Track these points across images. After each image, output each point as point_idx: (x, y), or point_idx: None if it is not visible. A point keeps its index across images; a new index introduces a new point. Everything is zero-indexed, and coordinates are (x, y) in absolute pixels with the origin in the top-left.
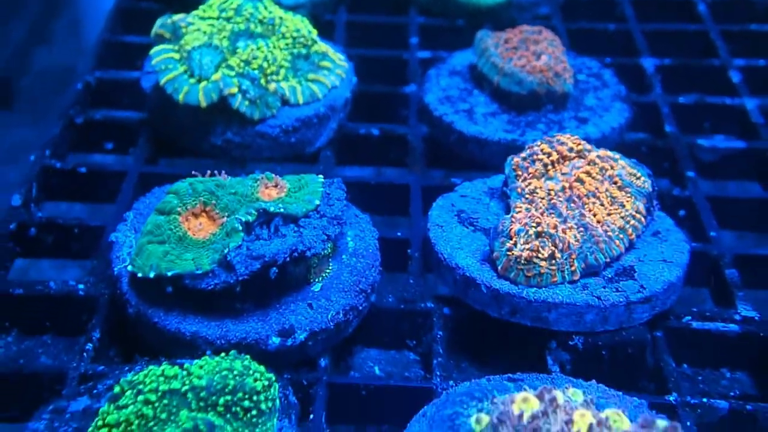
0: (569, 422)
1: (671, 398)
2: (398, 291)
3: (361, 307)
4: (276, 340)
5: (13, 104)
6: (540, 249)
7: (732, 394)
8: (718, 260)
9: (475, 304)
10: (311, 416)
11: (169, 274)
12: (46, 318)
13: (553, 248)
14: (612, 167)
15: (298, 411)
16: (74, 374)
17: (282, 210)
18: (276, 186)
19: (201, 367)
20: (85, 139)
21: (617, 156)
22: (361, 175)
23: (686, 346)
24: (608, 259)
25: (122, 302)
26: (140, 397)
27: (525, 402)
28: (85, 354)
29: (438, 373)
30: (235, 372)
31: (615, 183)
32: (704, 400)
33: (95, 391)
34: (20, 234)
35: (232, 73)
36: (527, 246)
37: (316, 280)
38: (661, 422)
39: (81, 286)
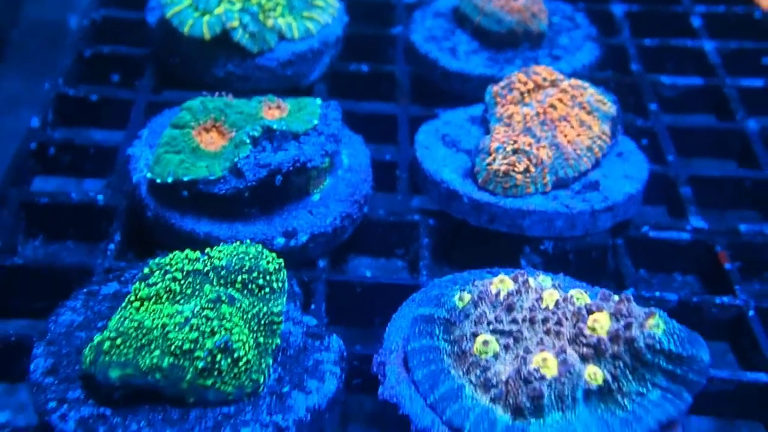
0: (539, 299)
1: (628, 292)
2: (388, 206)
3: (355, 216)
4: (281, 240)
5: (5, 56)
6: (516, 163)
7: (683, 294)
8: (675, 180)
9: (457, 214)
10: (312, 307)
11: (185, 179)
12: (68, 225)
13: (527, 163)
14: (581, 94)
15: (302, 299)
16: (100, 269)
17: (284, 127)
18: (278, 107)
19: (220, 251)
20: (93, 71)
21: (586, 85)
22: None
23: (643, 252)
24: (576, 174)
25: (141, 207)
26: (167, 276)
27: (501, 283)
28: (108, 252)
29: (424, 273)
30: (251, 255)
31: (584, 108)
32: (656, 293)
33: (123, 279)
34: (40, 153)
35: (234, 8)
36: (505, 161)
37: (315, 191)
38: (616, 296)
39: (100, 197)
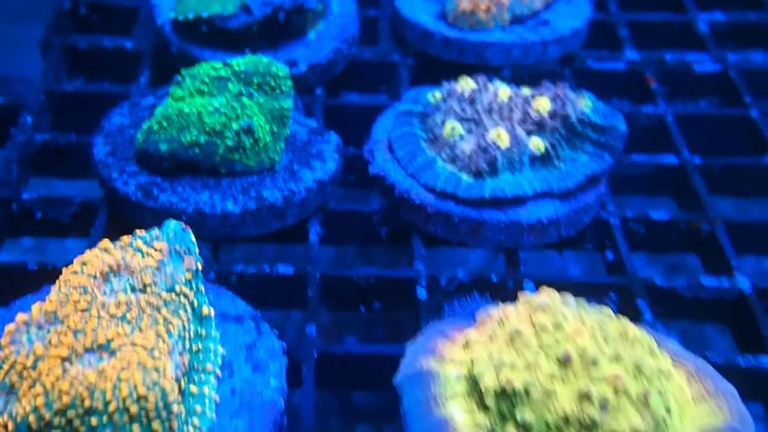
0: (495, 94)
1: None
2: (372, 52)
3: (345, 52)
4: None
5: None
6: (479, 3)
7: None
8: (615, 23)
9: (431, 50)
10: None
11: (204, 15)
12: (104, 68)
13: (489, 3)
14: None
15: (303, 109)
16: (135, 93)
17: None
18: None
19: (238, 62)
20: None
21: None
22: None
23: (586, 80)
24: (530, 12)
25: (166, 44)
26: (197, 81)
27: (466, 83)
28: (141, 80)
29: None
30: (264, 62)
31: None
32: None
33: (158, 94)
34: (72, 12)
35: None
36: (470, 1)
37: (311, 31)
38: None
39: (128, 42)
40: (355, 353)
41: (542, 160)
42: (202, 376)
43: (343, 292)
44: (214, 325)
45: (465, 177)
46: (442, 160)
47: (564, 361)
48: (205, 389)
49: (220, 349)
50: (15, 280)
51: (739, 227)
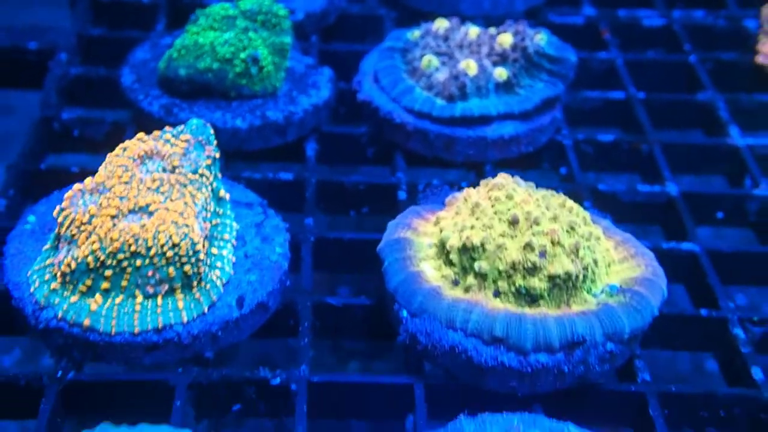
0: (466, 33)
1: None
2: (360, 6)
3: (337, 3)
4: None
5: None
6: None
7: None
8: None
9: (413, 3)
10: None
11: None
12: (124, 18)
13: None
14: None
15: (300, 50)
16: (155, 37)
17: None
18: None
19: (245, 2)
20: None
21: None
22: None
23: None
24: None
25: None
26: (209, 19)
27: (441, 23)
28: (158, 27)
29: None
30: (267, 3)
31: None
32: None
33: (175, 35)
34: None
35: None
36: None
37: None
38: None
39: None
40: (346, 240)
41: (505, 86)
42: (221, 243)
43: (336, 197)
44: (229, 206)
45: (439, 101)
46: (420, 88)
47: (512, 222)
48: (224, 252)
49: (235, 225)
50: (60, 181)
51: (673, 147)
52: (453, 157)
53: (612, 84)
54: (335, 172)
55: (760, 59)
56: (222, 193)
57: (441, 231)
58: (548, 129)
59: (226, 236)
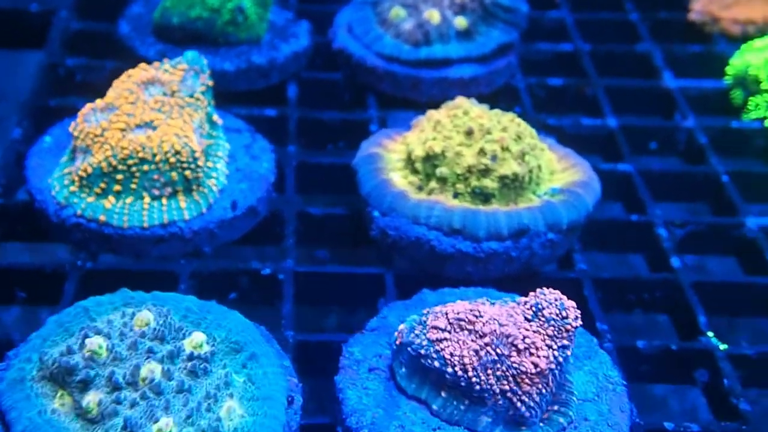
0: None
1: None
2: None
3: None
4: None
5: None
6: None
7: None
8: None
9: None
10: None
11: None
12: None
13: None
14: None
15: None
16: None
17: None
18: None
19: None
20: None
21: None
22: None
23: None
24: None
25: None
26: None
27: None
28: None
29: None
30: None
31: None
32: None
33: None
34: None
35: None
36: None
37: None
38: None
39: None
40: (325, 163)
41: (465, 34)
42: (215, 158)
43: (315, 131)
44: (221, 130)
45: (406, 47)
46: (389, 36)
47: (468, 133)
48: (218, 165)
49: (227, 145)
50: (68, 116)
51: (614, 90)
52: (419, 96)
53: (562, 37)
54: (314, 111)
55: (692, 16)
56: (215, 117)
57: (407, 145)
58: (504, 72)
59: (220, 153)
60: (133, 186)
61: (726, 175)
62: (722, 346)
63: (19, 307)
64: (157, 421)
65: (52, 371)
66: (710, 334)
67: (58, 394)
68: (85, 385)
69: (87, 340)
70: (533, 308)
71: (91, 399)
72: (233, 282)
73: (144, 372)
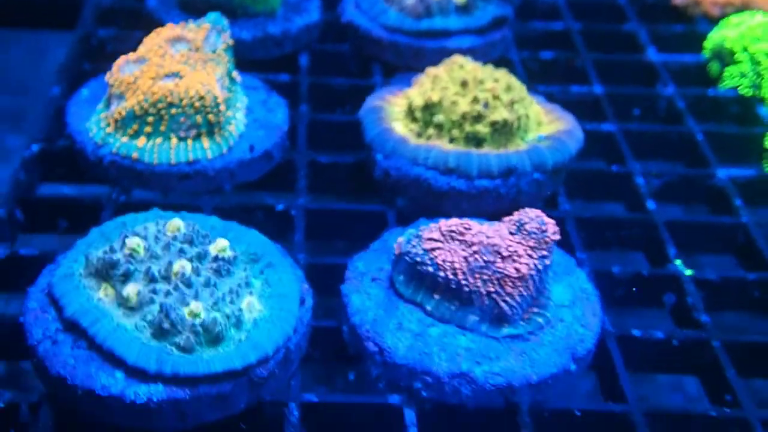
0: None
1: None
2: None
3: None
4: None
5: None
6: None
7: None
8: None
9: None
10: None
11: None
12: None
13: None
14: None
15: None
16: None
17: None
18: None
19: None
20: None
21: None
22: None
23: None
24: None
25: None
26: None
27: None
28: None
29: None
30: None
31: None
32: None
33: None
34: None
35: None
36: None
37: None
38: None
39: None
40: (336, 121)
41: (464, 8)
42: (235, 109)
43: (325, 96)
44: (239, 86)
45: (409, 19)
46: (393, 10)
47: (463, 84)
48: (237, 115)
49: (245, 98)
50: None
51: (601, 62)
52: (420, 65)
53: (554, 16)
54: (324, 78)
55: (676, 0)
56: (234, 74)
57: (408, 97)
58: (499, 45)
59: (239, 105)
60: (162, 128)
61: (701, 133)
62: (688, 272)
63: (61, 235)
64: (188, 305)
65: (97, 267)
66: (678, 261)
67: (102, 287)
68: (126, 278)
69: (127, 240)
70: (516, 224)
71: (131, 290)
72: (250, 216)
73: (176, 267)
